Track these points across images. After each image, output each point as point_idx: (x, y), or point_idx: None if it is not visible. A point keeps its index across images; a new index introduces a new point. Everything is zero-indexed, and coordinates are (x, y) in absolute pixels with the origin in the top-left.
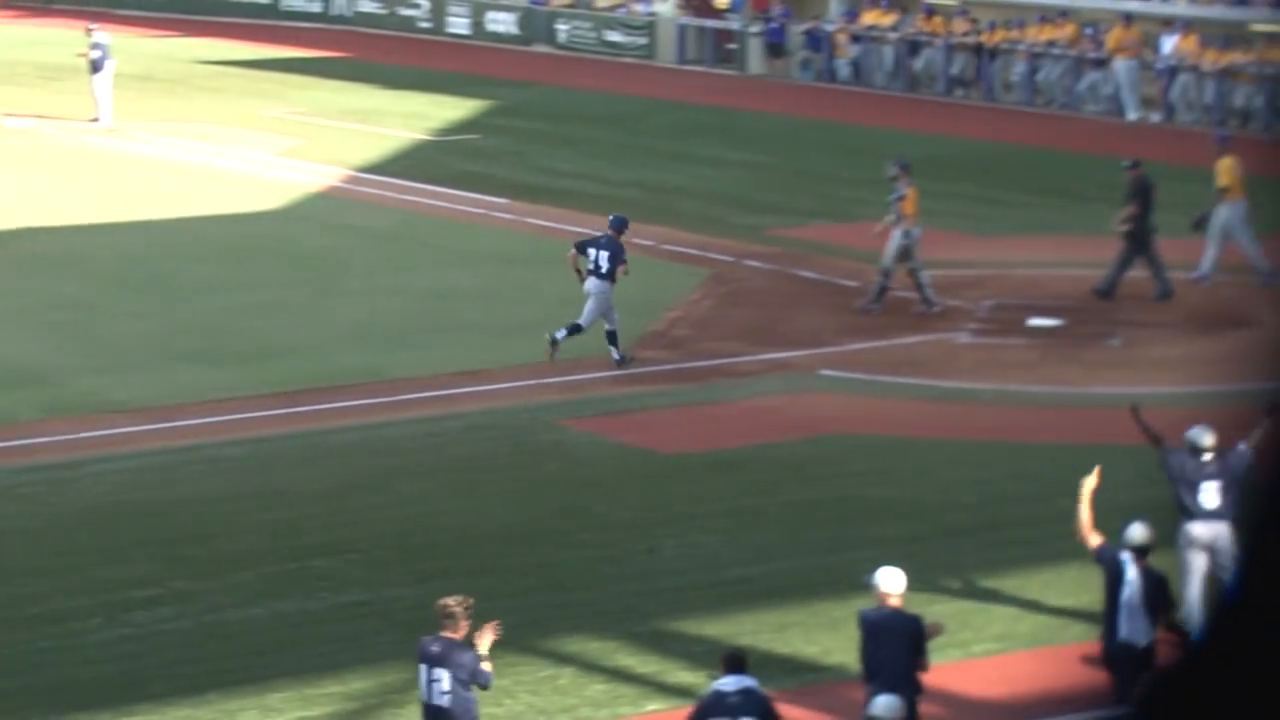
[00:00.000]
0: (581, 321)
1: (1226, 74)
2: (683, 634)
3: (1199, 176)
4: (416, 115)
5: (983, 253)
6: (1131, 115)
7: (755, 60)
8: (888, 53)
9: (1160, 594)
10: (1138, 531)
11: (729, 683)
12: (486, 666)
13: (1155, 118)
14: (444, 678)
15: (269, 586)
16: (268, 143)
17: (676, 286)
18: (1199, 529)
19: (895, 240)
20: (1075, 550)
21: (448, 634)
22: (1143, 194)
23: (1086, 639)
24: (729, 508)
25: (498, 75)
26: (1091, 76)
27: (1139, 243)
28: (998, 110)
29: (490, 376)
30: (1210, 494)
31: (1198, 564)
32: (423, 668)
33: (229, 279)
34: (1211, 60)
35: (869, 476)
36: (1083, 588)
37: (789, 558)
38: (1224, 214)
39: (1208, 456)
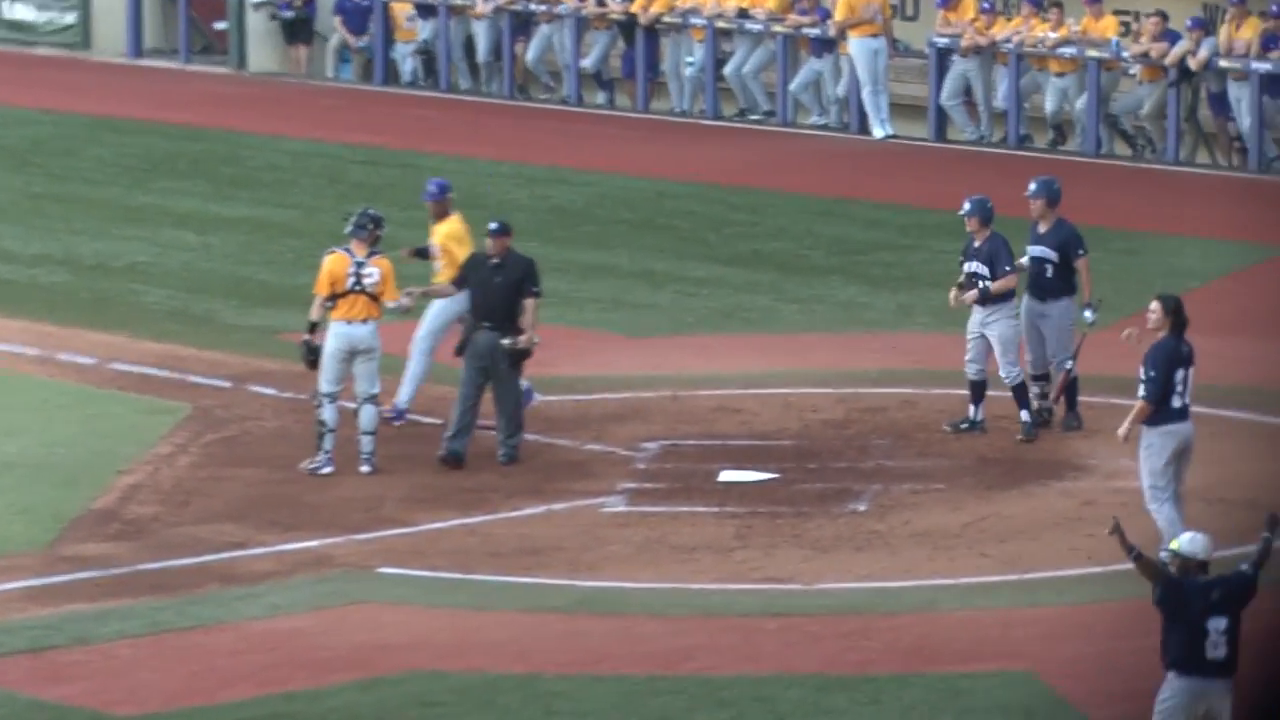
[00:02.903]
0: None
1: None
2: None
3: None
4: None
5: (639, 363)
6: (879, 132)
7: (261, 50)
8: (480, 33)
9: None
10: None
11: None
12: None
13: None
14: None
15: None
16: None
17: (134, 434)
18: (1201, 688)
19: None
20: None
21: None
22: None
23: None
24: None
25: None
26: (815, 67)
27: None
28: (661, 125)
29: None
30: (1217, 641)
31: None
32: None
33: None
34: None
35: None
36: None
37: None
38: None
39: (1208, 578)
